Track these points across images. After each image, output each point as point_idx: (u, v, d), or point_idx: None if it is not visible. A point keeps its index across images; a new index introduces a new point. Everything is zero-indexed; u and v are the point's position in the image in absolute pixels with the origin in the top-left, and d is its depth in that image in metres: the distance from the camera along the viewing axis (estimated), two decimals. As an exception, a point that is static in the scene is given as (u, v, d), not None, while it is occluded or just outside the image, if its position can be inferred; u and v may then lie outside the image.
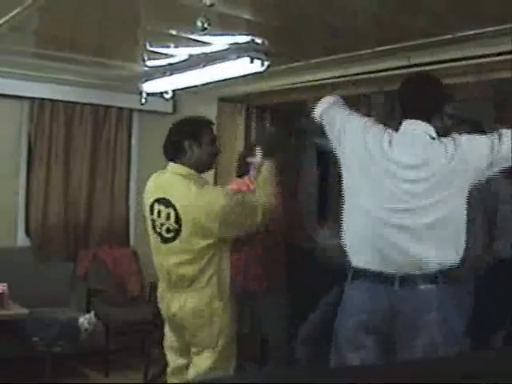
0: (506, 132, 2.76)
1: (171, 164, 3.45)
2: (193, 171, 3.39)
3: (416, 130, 2.89)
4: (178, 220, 3.31)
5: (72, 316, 5.11)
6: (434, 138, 2.87)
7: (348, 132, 2.99)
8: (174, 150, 3.45)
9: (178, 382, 3.56)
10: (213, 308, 3.39)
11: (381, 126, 2.99)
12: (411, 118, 2.91)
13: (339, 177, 3.06)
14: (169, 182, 3.43)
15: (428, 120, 2.89)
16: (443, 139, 2.85)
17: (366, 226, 2.86)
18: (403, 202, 2.80)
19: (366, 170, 2.88)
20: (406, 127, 2.92)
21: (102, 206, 6.01)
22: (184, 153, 3.40)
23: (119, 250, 6.02)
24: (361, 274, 2.88)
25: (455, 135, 2.87)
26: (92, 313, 5.07)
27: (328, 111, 3.15)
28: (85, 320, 4.97)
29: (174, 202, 3.33)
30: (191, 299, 3.40)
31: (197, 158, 3.41)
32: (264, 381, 1.10)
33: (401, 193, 2.80)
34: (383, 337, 2.87)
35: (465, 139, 2.83)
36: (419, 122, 2.89)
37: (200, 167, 3.45)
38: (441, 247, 2.79)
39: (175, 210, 3.31)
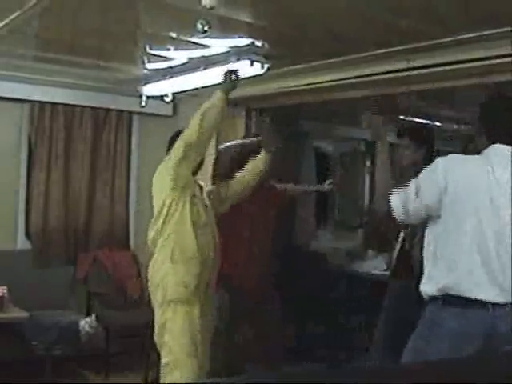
0: None
1: None
2: None
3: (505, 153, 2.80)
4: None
5: (72, 319, 5.10)
6: None
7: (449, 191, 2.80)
8: None
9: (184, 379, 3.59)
10: (164, 268, 3.70)
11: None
12: (499, 143, 2.83)
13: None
14: None
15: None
16: None
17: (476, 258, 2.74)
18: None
19: (476, 205, 2.74)
20: (496, 152, 2.83)
21: (102, 209, 6.01)
22: None
23: (119, 253, 6.02)
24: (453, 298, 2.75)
25: None
26: (93, 316, 5.07)
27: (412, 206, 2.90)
28: (86, 323, 4.97)
29: None
30: (154, 262, 3.77)
31: None
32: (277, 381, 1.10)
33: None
34: None
35: None
36: (507, 147, 2.81)
37: None
38: None
39: None
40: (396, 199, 2.91)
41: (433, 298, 2.80)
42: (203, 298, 3.79)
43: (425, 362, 2.29)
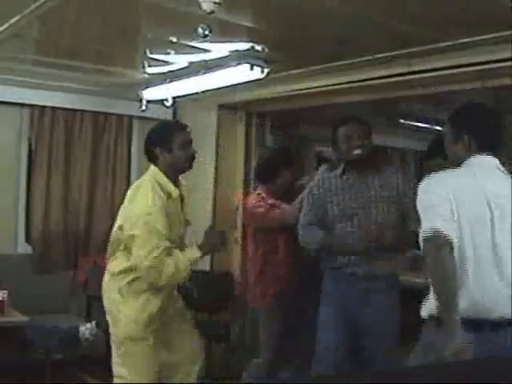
0: None
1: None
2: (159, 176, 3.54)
3: (491, 165, 2.77)
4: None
5: (72, 324, 5.09)
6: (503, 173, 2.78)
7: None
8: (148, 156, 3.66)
9: None
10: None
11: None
12: (484, 153, 2.77)
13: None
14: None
15: (495, 155, 2.80)
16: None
17: None
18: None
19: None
20: (481, 162, 2.77)
21: (102, 213, 6.00)
22: (157, 158, 3.57)
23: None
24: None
25: None
26: (93, 322, 5.06)
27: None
28: (86, 330, 4.96)
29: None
30: None
31: (169, 162, 3.54)
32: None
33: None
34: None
35: None
36: (491, 157, 2.78)
37: (172, 171, 3.57)
38: None
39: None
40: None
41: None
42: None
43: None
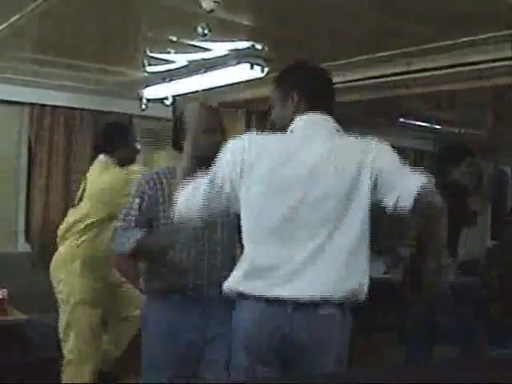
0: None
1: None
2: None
3: (322, 123, 2.55)
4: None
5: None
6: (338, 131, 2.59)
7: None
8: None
9: None
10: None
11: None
12: (315, 110, 2.53)
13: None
14: None
15: (330, 113, 2.57)
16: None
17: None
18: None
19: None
20: (309, 120, 2.53)
21: (102, 212, 6.00)
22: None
23: (119, 256, 6.00)
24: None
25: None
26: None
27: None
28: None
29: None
30: None
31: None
32: None
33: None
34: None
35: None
36: (323, 115, 2.55)
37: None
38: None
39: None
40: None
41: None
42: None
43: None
